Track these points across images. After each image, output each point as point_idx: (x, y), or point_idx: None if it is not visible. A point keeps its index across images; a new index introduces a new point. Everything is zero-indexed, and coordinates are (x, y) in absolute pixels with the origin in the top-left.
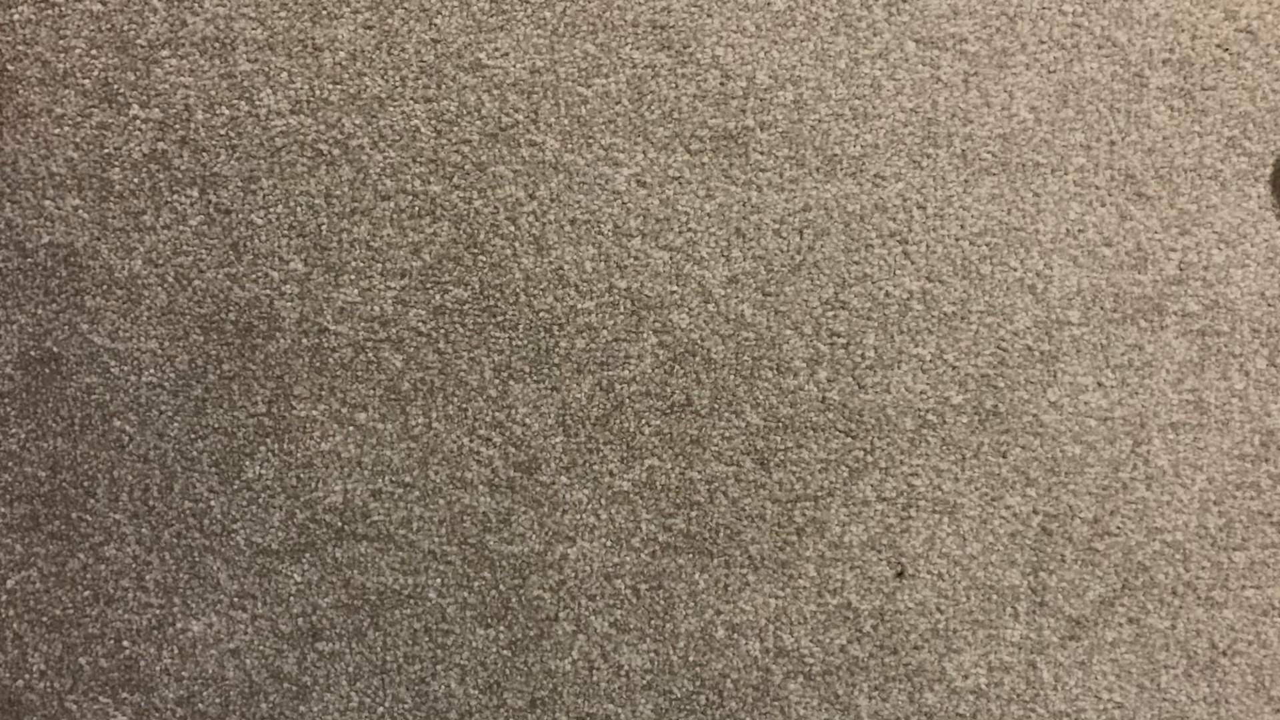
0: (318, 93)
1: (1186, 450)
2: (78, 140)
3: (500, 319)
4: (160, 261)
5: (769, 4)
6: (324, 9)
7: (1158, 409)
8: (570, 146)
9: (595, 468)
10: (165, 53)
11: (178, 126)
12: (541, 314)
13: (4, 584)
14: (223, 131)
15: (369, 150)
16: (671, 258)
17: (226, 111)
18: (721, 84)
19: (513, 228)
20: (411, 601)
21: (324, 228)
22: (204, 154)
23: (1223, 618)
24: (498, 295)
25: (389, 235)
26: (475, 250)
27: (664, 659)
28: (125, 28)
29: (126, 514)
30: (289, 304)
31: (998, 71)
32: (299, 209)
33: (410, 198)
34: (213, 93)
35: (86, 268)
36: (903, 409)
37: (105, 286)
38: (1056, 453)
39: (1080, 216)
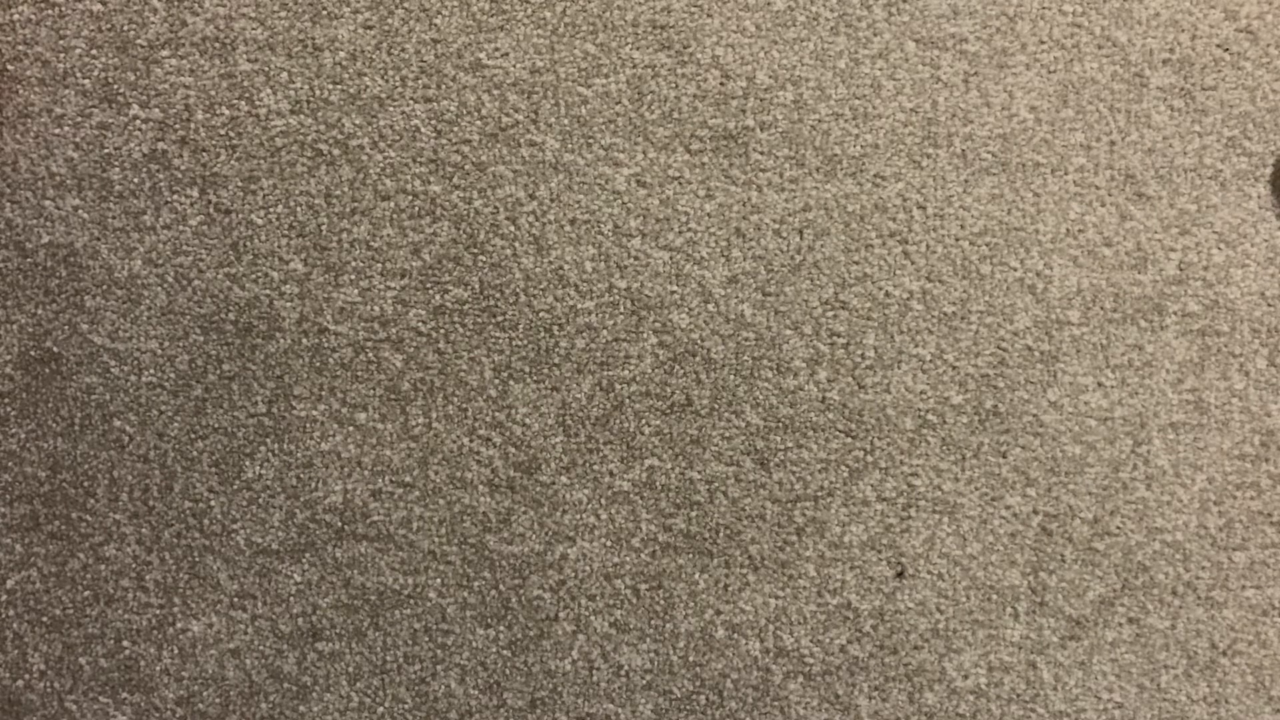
0: (318, 93)
1: (1186, 450)
2: (78, 140)
3: (500, 319)
4: (160, 261)
5: (769, 4)
6: (324, 9)
7: (1158, 409)
8: (570, 146)
9: (595, 468)
10: (165, 53)
11: (178, 126)
12: (541, 314)
13: (4, 584)
14: (223, 131)
15: (369, 150)
16: (671, 258)
17: (226, 111)
18: (721, 84)
19: (513, 228)
20: (411, 601)
21: (324, 228)
22: (204, 154)
23: (1223, 618)
24: (498, 295)
25: (389, 235)
26: (475, 250)
27: (664, 659)
28: (125, 28)
29: (126, 514)
30: (289, 304)
31: (998, 71)
32: (299, 209)
33: (410, 198)
34: (213, 93)
35: (86, 268)
36: (903, 409)
37: (105, 286)
38: (1056, 453)
39: (1080, 216)
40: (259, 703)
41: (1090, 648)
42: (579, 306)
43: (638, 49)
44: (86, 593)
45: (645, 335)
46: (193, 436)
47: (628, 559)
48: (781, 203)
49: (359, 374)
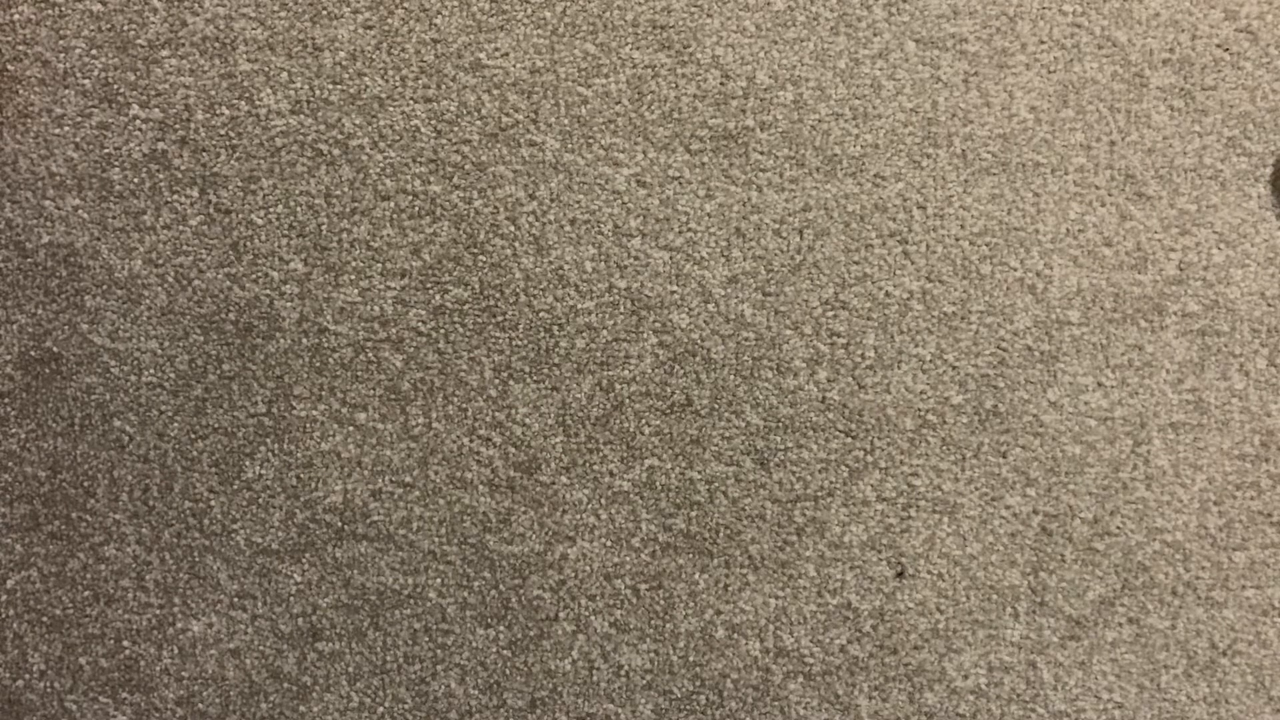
0: (318, 93)
1: (1186, 450)
2: (78, 140)
3: (500, 319)
4: (160, 261)
5: (769, 4)
6: (324, 9)
7: (1158, 409)
8: (570, 146)
9: (595, 468)
10: (165, 53)
11: (178, 126)
12: (541, 314)
13: (4, 584)
14: (223, 131)
15: (369, 150)
16: (671, 258)
17: (226, 111)
18: (721, 84)
19: (513, 228)
20: (411, 601)
21: (324, 228)
22: (204, 154)
23: (1223, 618)
24: (498, 295)
25: (389, 235)
26: (475, 250)
27: (664, 659)
28: (125, 28)
29: (126, 514)
30: (289, 304)
31: (998, 71)
32: (299, 209)
33: (410, 198)
34: (213, 93)
35: (86, 268)
36: (903, 409)
37: (105, 286)
38: (1056, 453)
39: (1080, 216)
40: (259, 703)
41: (1090, 648)
42: (579, 306)
43: (638, 49)
44: (86, 593)
45: (645, 335)
46: (193, 436)
47: (628, 559)
48: (781, 203)
49: (359, 374)
